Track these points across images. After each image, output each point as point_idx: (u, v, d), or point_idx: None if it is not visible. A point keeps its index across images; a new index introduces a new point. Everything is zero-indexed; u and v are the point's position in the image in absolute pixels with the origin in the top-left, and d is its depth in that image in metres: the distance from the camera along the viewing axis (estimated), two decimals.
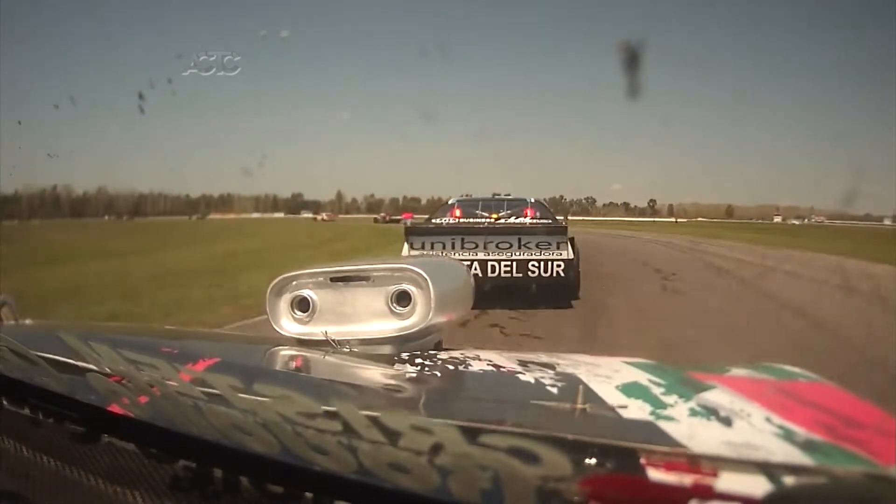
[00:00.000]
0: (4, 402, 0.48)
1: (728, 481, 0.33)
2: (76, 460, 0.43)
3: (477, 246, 4.82)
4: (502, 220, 5.67)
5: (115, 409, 0.43)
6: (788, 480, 0.33)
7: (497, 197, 6.48)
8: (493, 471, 0.31)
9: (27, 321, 0.73)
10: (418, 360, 0.63)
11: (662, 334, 4.01)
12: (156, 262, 9.79)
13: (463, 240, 4.86)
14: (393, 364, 0.63)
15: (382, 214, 49.10)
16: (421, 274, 0.69)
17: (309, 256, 9.95)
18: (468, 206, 6.15)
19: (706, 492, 0.32)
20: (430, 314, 0.68)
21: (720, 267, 9.39)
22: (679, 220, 73.29)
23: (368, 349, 0.69)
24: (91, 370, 0.43)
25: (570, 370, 0.60)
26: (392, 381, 0.59)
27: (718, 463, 0.34)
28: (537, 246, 4.78)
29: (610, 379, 0.55)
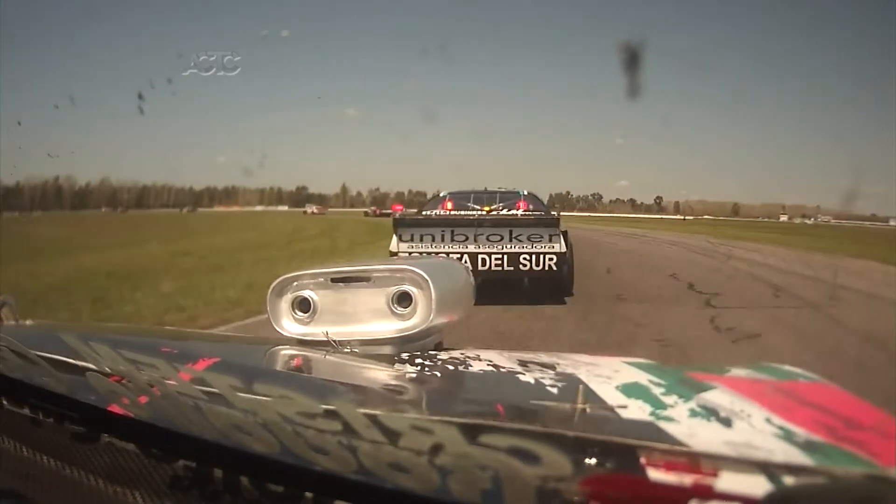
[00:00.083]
0: (4, 402, 0.48)
1: (728, 481, 0.33)
2: (76, 460, 0.43)
3: (467, 238, 4.73)
4: (494, 213, 5.51)
5: (115, 409, 0.43)
6: (788, 480, 0.33)
7: (489, 190, 6.30)
8: (493, 471, 0.31)
9: (27, 321, 0.73)
10: (418, 361, 0.63)
11: None
12: (101, 259, 8.97)
13: (453, 232, 4.76)
14: (393, 364, 0.63)
15: (373, 208, 48.54)
16: (422, 275, 0.69)
17: (268, 257, 8.98)
18: (460, 198, 5.95)
19: (706, 491, 0.32)
20: (431, 315, 0.68)
21: (777, 285, 6.45)
22: (687, 217, 72.86)
23: (369, 350, 0.69)
24: (91, 370, 0.43)
25: (570, 370, 0.60)
26: (392, 381, 0.59)
27: (719, 462, 0.34)
28: (529, 238, 4.69)
29: (610, 379, 0.55)
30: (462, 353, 0.67)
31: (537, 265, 4.68)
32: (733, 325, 4.11)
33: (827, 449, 0.39)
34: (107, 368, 0.44)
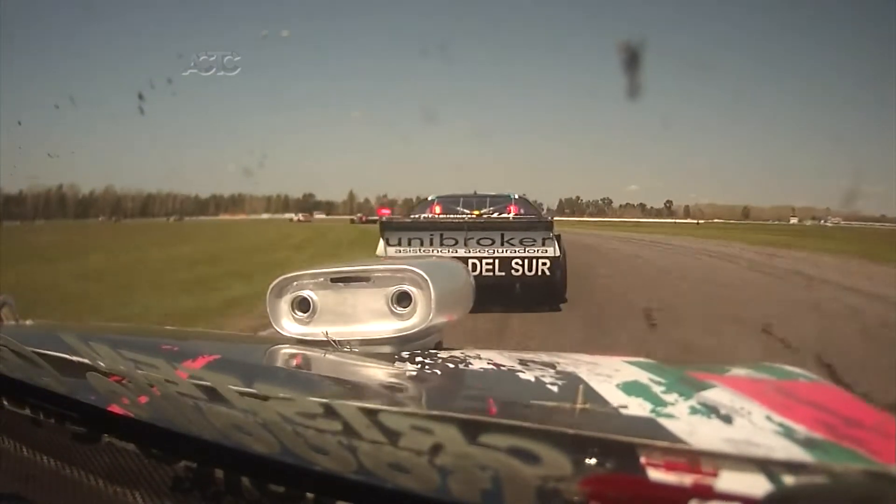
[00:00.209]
0: (5, 403, 0.48)
1: (729, 478, 0.33)
2: (76, 460, 0.44)
3: (457, 242, 4.54)
4: (484, 217, 5.31)
5: (115, 409, 0.43)
6: (788, 477, 0.33)
7: (479, 194, 6.10)
8: (493, 470, 0.31)
9: (27, 321, 0.73)
10: (418, 360, 0.63)
11: None
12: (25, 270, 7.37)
13: (442, 236, 4.57)
14: (393, 363, 0.63)
15: (359, 215, 47.66)
16: (421, 274, 0.69)
17: (220, 273, 7.67)
18: (449, 202, 5.79)
19: (707, 489, 0.32)
20: (431, 315, 0.68)
21: None
22: (700, 221, 72.20)
23: (369, 349, 0.69)
24: (91, 370, 0.43)
25: (570, 369, 0.60)
26: (392, 381, 0.59)
27: (719, 460, 0.34)
28: (521, 242, 4.53)
29: (610, 378, 0.55)
30: (462, 353, 0.67)
31: (530, 270, 4.53)
32: None
33: (827, 446, 0.39)
34: (107, 368, 0.44)
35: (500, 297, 4.43)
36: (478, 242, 4.56)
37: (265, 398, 0.37)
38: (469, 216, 5.21)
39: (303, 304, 0.72)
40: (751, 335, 3.91)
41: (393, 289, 0.70)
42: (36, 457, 0.45)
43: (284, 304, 0.72)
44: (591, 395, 0.49)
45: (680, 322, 4.33)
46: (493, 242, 4.55)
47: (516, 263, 4.52)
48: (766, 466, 0.34)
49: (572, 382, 0.54)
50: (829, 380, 0.58)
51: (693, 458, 0.35)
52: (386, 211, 6.12)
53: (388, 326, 0.70)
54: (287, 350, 0.70)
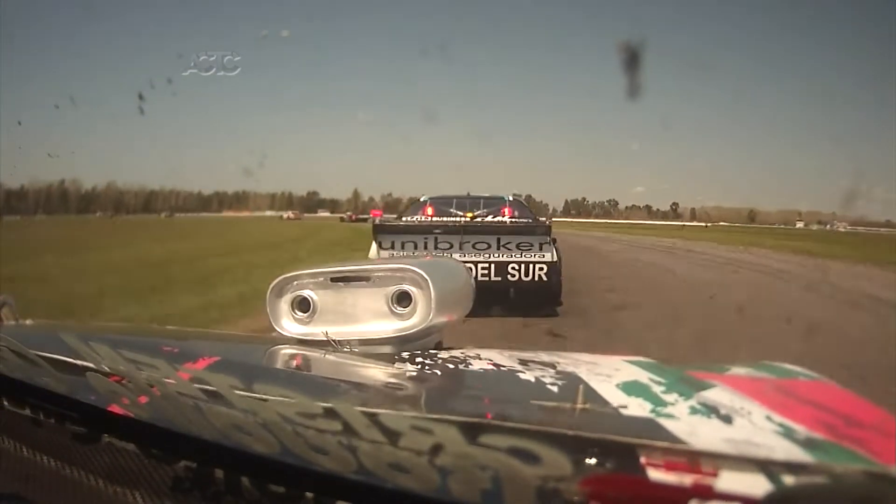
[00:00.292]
0: (5, 403, 0.48)
1: (729, 478, 0.33)
2: (76, 460, 0.43)
3: (451, 246, 4.43)
4: (479, 220, 5.23)
5: (115, 409, 0.43)
6: (789, 477, 0.33)
7: (472, 195, 5.96)
8: (493, 471, 0.31)
9: (27, 321, 0.73)
10: (418, 360, 0.63)
11: None
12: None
13: (436, 239, 4.46)
14: (393, 363, 0.63)
15: (349, 214, 47.30)
16: (421, 274, 0.69)
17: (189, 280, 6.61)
18: (441, 203, 5.67)
19: (707, 489, 0.32)
20: (431, 314, 0.68)
21: None
22: (708, 224, 71.69)
23: (369, 349, 0.69)
24: (91, 370, 0.43)
25: (570, 369, 0.60)
26: (392, 381, 0.59)
27: (719, 460, 0.34)
28: (518, 247, 4.44)
29: (610, 378, 0.55)
30: (462, 353, 0.67)
31: (526, 275, 4.43)
32: None
33: (827, 446, 0.39)
34: (107, 368, 0.44)
35: (494, 302, 4.18)
36: (473, 247, 4.46)
37: (265, 398, 0.37)
38: (464, 220, 5.12)
39: (303, 304, 0.72)
40: None
41: (393, 288, 0.70)
42: (36, 457, 0.45)
43: (284, 303, 0.72)
44: (591, 395, 0.49)
45: None
46: (489, 247, 4.46)
47: (513, 269, 4.43)
48: (766, 467, 0.34)
49: (572, 382, 0.54)
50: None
51: (693, 459, 0.35)
52: (378, 212, 6.00)
53: (389, 326, 0.70)
54: (287, 350, 0.70)
